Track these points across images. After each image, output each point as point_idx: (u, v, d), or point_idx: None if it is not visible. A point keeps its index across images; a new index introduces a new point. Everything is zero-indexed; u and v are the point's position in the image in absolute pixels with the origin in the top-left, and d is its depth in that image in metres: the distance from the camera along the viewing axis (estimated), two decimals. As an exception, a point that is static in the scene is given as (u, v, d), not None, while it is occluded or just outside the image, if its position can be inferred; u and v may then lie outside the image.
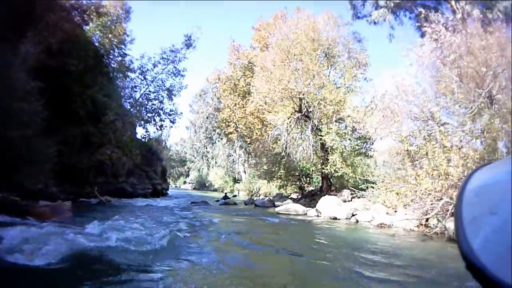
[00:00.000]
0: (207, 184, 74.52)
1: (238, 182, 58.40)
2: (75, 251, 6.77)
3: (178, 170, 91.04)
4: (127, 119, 27.56)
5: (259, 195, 37.18)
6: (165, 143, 52.79)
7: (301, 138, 26.81)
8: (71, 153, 23.30)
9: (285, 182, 32.06)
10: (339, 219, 17.92)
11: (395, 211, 16.57)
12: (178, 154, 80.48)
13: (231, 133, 38.97)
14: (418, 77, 16.69)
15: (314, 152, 25.30)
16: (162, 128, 33.85)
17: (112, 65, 29.24)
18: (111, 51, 28.85)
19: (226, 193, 35.74)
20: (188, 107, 76.11)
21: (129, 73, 30.99)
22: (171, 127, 34.19)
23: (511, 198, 0.51)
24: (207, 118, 68.68)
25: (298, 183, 31.83)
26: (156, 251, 7.55)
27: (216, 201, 29.97)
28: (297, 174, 30.40)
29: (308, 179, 31.21)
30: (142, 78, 32.01)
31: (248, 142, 37.17)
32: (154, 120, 32.23)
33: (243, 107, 33.21)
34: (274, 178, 31.18)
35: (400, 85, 16.37)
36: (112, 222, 11.03)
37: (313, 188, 30.02)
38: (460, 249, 0.54)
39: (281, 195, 31.47)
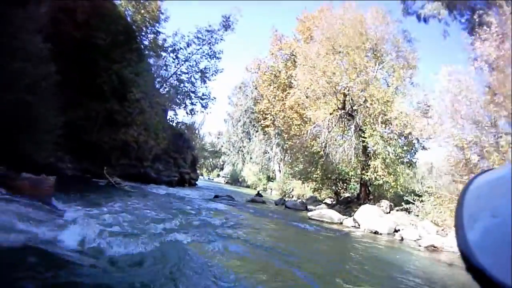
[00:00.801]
0: (240, 180, 72.17)
1: (272, 181, 57.08)
2: (19, 241, 5.25)
3: (212, 163, 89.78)
4: (154, 99, 25.49)
5: (292, 196, 35.04)
6: (198, 131, 50.54)
7: (342, 138, 24.53)
8: (92, 130, 22.17)
9: (320, 185, 30.15)
10: (380, 234, 15.56)
11: (443, 231, 14.11)
12: (213, 145, 79.29)
13: (267, 126, 36.93)
14: (480, 76, 14.20)
15: (355, 155, 23.15)
16: (192, 113, 32.02)
17: (144, 42, 27.48)
18: (144, 28, 26.99)
19: (259, 191, 33.15)
20: (227, 99, 74.97)
21: (161, 52, 29.11)
22: (202, 112, 32.33)
23: (511, 201, 0.52)
24: (245, 111, 67.01)
25: (333, 187, 29.87)
26: (122, 259, 5.43)
27: (251, 196, 27.97)
28: (333, 177, 28.47)
29: (344, 184, 29.30)
30: (174, 57, 30.00)
31: (286, 138, 34.63)
32: (185, 103, 30.49)
33: (283, 100, 31.23)
34: (309, 180, 29.27)
35: (463, 82, 13.87)
36: (98, 208, 9.22)
37: (349, 195, 28.22)
38: (461, 251, 0.55)
39: (315, 199, 29.46)
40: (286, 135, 33.26)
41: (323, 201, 28.60)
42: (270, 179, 60.05)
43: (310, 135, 24.82)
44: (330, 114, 23.06)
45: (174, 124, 32.73)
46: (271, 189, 51.16)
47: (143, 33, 27.06)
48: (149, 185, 23.96)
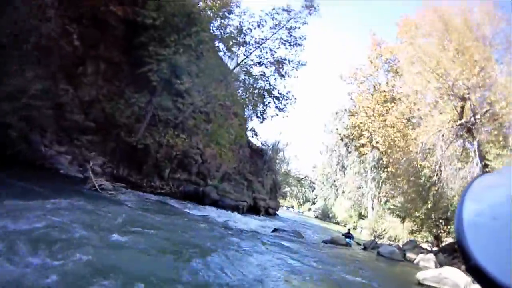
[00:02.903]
0: (330, 215, 67.12)
1: (363, 219, 52.49)
2: None
3: (305, 196, 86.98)
4: (212, 92, 19.95)
5: (382, 237, 28.64)
6: (283, 153, 44.32)
7: (459, 161, 18.41)
8: (136, 130, 18.52)
9: (420, 227, 24.42)
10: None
11: None
12: (307, 178, 74.43)
13: (363, 146, 30.24)
14: None
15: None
16: (264, 116, 24.56)
17: (212, 28, 21.97)
18: (209, 11, 21.61)
19: (349, 229, 25.98)
20: (323, 127, 72.88)
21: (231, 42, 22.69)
22: (277, 115, 24.71)
23: (511, 203, 0.55)
24: (342, 140, 62.47)
25: (434, 230, 23.53)
26: None
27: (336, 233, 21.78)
28: (436, 217, 22.27)
29: (447, 226, 22.79)
30: (241, 42, 23.01)
31: (385, 163, 28.74)
32: (255, 102, 23.72)
33: (383, 116, 25.20)
34: (412, 217, 23.35)
35: None
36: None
37: (453, 240, 21.26)
38: (461, 252, 0.56)
39: (415, 244, 22.40)
40: (386, 159, 27.44)
41: (420, 246, 22.24)
42: (361, 216, 55.10)
43: (421, 150, 18.79)
44: (448, 123, 17.92)
45: (251, 137, 27.45)
46: (361, 227, 47.03)
47: (207, 16, 21.52)
48: (199, 207, 19.02)
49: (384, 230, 33.51)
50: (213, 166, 24.42)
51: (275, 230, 17.70)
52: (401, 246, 21.64)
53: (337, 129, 58.12)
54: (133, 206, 12.04)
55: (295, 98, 24.65)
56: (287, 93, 24.27)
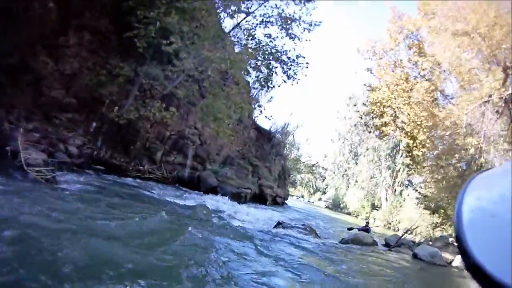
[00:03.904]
0: (341, 206, 66.44)
1: (377, 209, 51.84)
2: None
3: (315, 185, 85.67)
4: (204, 53, 15.81)
5: (397, 229, 25.96)
6: (293, 137, 41.54)
7: (507, 141, 15.99)
8: (121, 106, 16.18)
9: (444, 219, 22.08)
10: None
11: None
12: (318, 165, 72.29)
13: (386, 124, 27.38)
14: None
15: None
16: (268, 84, 20.44)
17: None
18: None
19: (367, 222, 21.92)
20: (336, 113, 73.21)
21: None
22: (285, 82, 19.93)
23: (511, 201, 0.53)
24: (355, 125, 60.23)
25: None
26: None
27: (349, 229, 18.24)
28: None
29: None
30: None
31: (408, 149, 26.21)
32: (259, 68, 19.61)
33: (407, 92, 22.66)
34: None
35: None
36: None
37: None
38: (460, 250, 0.55)
39: (447, 241, 19.22)
40: (411, 141, 25.37)
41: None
42: (374, 207, 54.42)
43: (464, 126, 16.08)
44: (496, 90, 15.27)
45: (255, 109, 23.18)
46: (374, 218, 44.84)
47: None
48: (190, 194, 16.98)
49: (399, 222, 32.34)
50: (213, 148, 22.96)
51: (278, 224, 13.91)
52: (430, 243, 18.55)
53: (355, 105, 56.00)
54: (70, 192, 9.20)
55: (307, 63, 20.19)
56: (297, 57, 19.89)
